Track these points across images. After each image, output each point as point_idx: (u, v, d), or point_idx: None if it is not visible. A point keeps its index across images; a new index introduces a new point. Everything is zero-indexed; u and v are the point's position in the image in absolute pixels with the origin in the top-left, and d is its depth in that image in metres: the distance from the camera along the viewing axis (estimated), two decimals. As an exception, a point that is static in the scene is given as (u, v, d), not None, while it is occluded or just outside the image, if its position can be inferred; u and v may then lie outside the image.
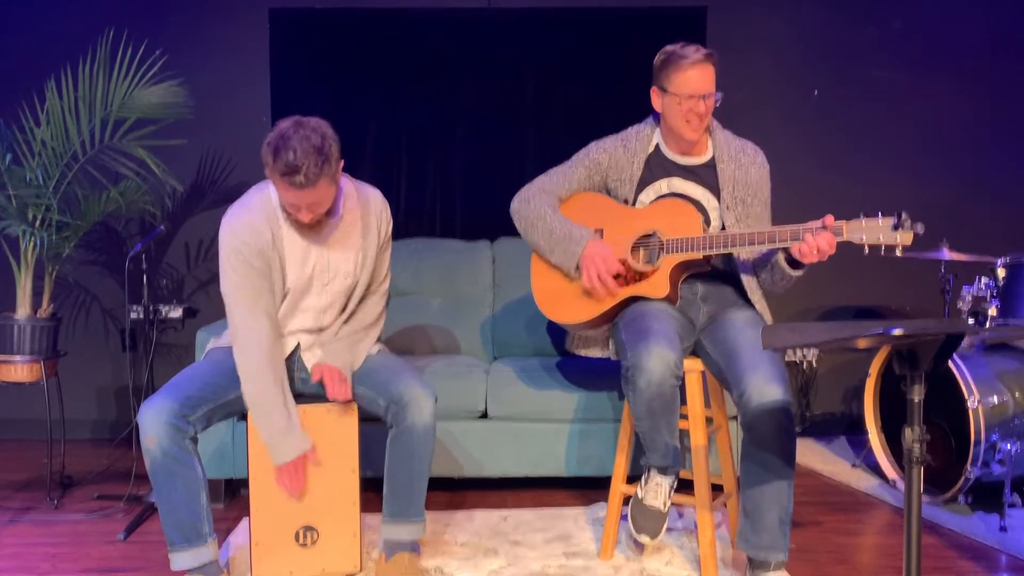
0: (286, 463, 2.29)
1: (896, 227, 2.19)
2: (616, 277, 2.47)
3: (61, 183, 3.28)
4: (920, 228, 2.20)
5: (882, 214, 2.22)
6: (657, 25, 3.93)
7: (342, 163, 2.25)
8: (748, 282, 2.49)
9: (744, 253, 2.47)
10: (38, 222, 3.23)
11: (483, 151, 4.00)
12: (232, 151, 3.98)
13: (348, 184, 2.41)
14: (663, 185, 2.52)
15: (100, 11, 3.86)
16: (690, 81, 2.39)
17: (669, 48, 2.45)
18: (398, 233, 2.53)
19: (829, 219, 2.25)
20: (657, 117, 2.54)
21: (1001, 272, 3.07)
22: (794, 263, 2.35)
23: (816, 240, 2.23)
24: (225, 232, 2.28)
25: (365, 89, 3.95)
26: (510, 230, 3.77)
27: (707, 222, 2.48)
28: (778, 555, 2.25)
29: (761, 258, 2.46)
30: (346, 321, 2.46)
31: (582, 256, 2.47)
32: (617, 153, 2.56)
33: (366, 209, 2.42)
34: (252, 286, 2.26)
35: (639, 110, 2.67)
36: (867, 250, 2.27)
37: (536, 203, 2.57)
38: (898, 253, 2.22)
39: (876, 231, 2.22)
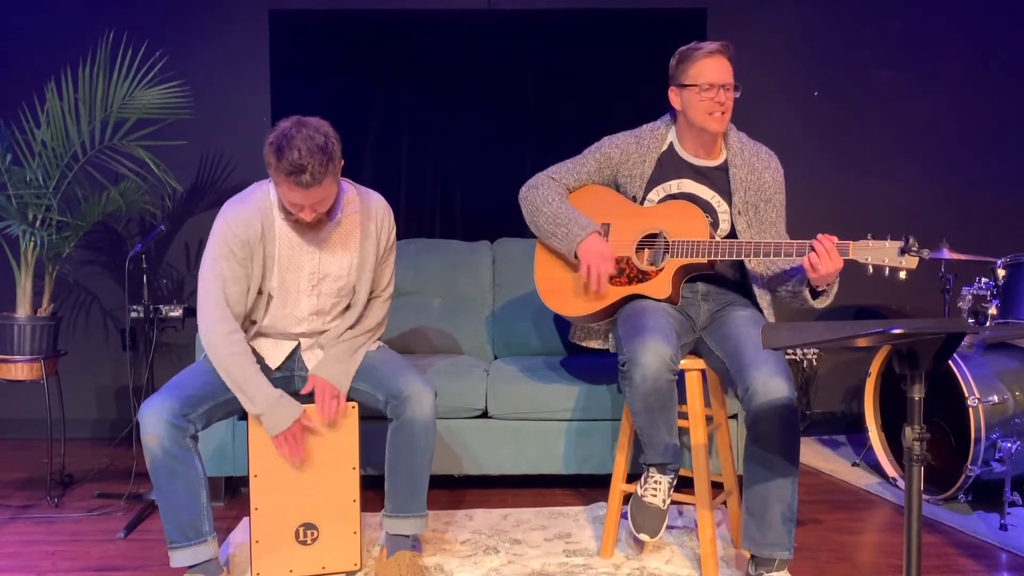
0: (283, 432, 2.29)
1: (903, 251, 2.21)
2: (620, 273, 2.48)
3: (61, 183, 3.29)
4: (926, 254, 2.22)
5: (891, 237, 2.23)
6: (657, 27, 3.94)
7: (342, 163, 2.25)
8: (759, 291, 2.49)
9: (752, 262, 2.47)
10: (38, 222, 3.24)
11: (483, 152, 4.00)
12: (232, 151, 3.98)
13: (351, 188, 2.41)
14: (673, 185, 2.51)
15: (100, 12, 3.86)
16: (706, 70, 2.40)
17: (682, 48, 2.47)
18: (398, 234, 2.53)
19: (834, 239, 2.25)
20: (674, 115, 2.54)
21: (1001, 272, 3.07)
22: (815, 294, 2.36)
23: (823, 242, 2.22)
24: (218, 220, 2.32)
25: (365, 90, 3.95)
26: (510, 230, 3.81)
27: (715, 225, 2.48)
28: (783, 553, 2.24)
29: (777, 276, 2.46)
30: (350, 326, 2.46)
31: (581, 248, 2.46)
32: (629, 149, 2.55)
33: (367, 215, 2.41)
34: (225, 270, 2.28)
35: (639, 111, 2.67)
36: (871, 270, 2.26)
37: (544, 189, 2.57)
38: (902, 276, 2.23)
39: (882, 253, 2.23)
